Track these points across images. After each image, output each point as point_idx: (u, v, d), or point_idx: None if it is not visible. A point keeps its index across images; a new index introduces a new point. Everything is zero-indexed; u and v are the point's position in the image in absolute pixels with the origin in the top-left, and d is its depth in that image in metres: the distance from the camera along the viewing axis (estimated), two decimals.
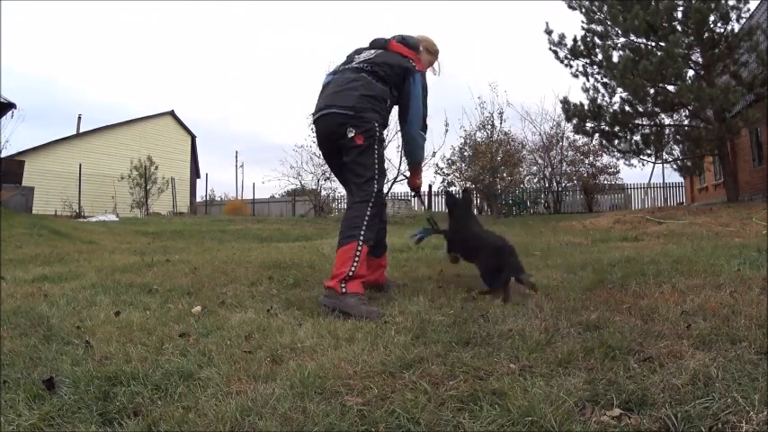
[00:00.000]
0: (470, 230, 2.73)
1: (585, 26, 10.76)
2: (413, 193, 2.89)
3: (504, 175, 16.17)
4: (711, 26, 9.44)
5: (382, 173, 2.49)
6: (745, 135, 11.77)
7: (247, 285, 2.88)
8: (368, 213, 2.38)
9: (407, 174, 2.94)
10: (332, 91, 2.52)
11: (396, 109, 2.68)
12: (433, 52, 2.91)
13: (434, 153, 14.99)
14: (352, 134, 2.40)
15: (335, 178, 2.80)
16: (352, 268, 2.26)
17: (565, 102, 11.01)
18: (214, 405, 1.22)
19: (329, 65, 2.89)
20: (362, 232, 2.34)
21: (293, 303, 2.37)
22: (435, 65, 2.94)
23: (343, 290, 2.21)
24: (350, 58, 2.69)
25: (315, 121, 2.57)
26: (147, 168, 19.54)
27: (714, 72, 9.75)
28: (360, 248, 2.31)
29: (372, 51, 2.67)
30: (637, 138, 10.92)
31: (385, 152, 2.49)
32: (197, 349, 1.66)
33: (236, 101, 68.46)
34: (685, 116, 11.13)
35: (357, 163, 2.44)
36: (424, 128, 2.70)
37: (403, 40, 2.71)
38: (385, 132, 2.64)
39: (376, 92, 2.49)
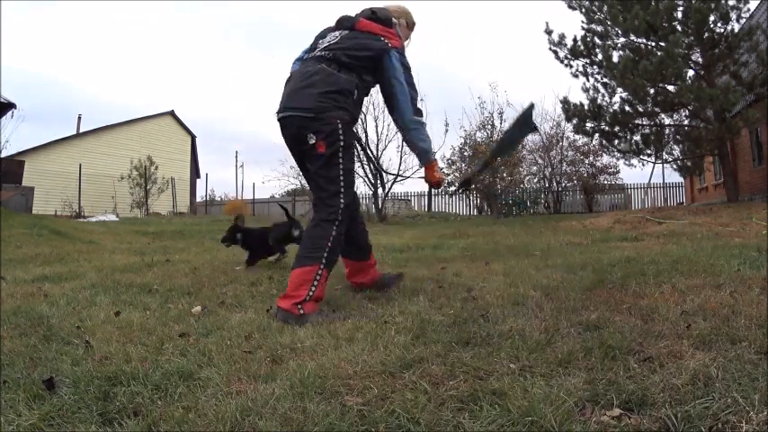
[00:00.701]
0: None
1: (585, 26, 10.76)
2: (434, 190, 2.54)
3: (504, 175, 16.17)
4: (711, 26, 9.43)
5: (349, 184, 2.23)
6: (745, 135, 11.77)
7: (247, 285, 2.88)
8: (333, 234, 2.17)
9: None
10: (291, 89, 2.24)
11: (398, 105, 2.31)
12: (410, 25, 2.57)
13: (434, 153, 14.97)
14: (314, 141, 2.15)
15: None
16: (310, 293, 2.08)
17: (565, 102, 11.00)
18: (214, 405, 1.22)
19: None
20: (325, 255, 2.14)
21: None
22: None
23: (300, 311, 2.05)
24: (314, 44, 2.39)
25: (278, 122, 2.31)
26: (147, 168, 19.55)
27: (714, 72, 9.74)
28: (321, 272, 2.13)
29: (337, 33, 2.34)
30: (637, 138, 10.92)
31: (356, 160, 2.25)
32: (197, 349, 1.66)
33: (236, 101, 68.57)
34: (685, 116, 11.13)
35: (320, 175, 2.21)
36: (418, 112, 2.33)
37: (373, 15, 2.36)
38: (356, 128, 2.32)
39: (339, 85, 2.18)
